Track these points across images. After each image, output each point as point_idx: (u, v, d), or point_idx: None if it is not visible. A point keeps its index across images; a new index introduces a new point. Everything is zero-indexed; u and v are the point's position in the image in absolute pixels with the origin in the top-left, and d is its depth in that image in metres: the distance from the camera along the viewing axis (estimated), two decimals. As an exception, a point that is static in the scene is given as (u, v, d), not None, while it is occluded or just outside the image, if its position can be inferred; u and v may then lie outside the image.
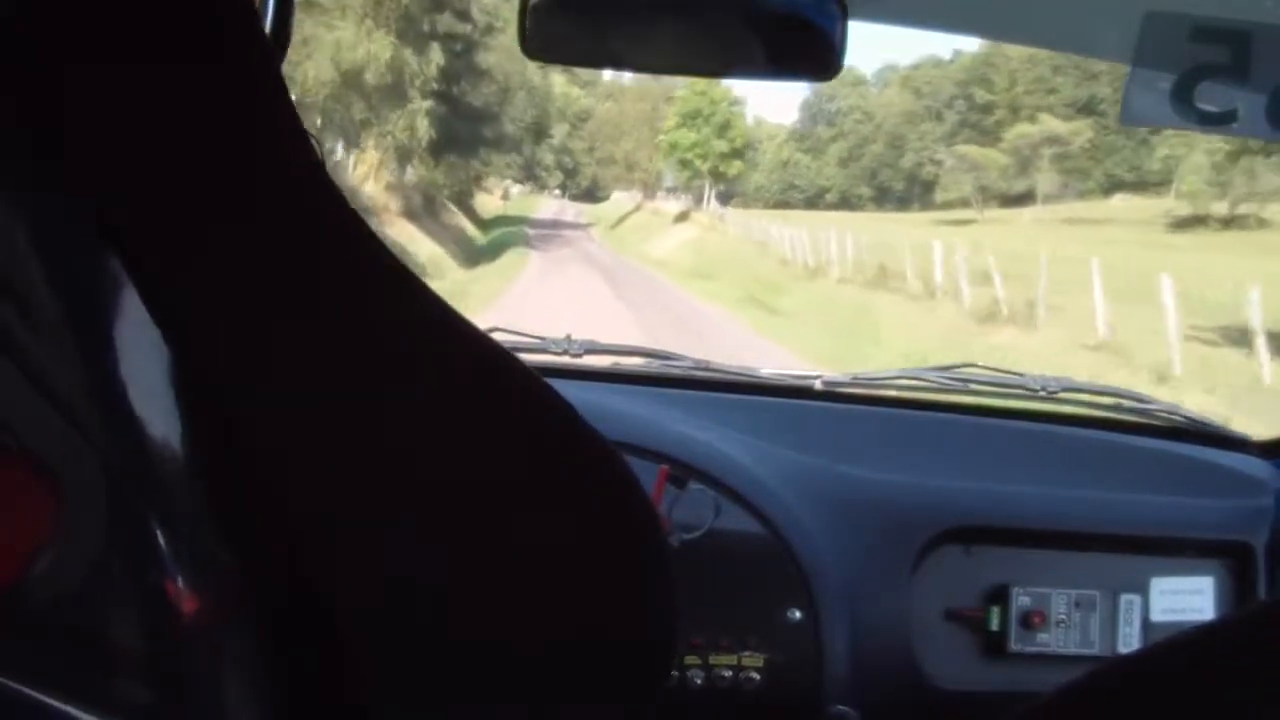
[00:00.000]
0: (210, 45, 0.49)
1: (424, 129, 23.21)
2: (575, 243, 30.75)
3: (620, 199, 57.34)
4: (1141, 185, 39.73)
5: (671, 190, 54.29)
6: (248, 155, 0.50)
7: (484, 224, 32.89)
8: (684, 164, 51.80)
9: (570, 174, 65.04)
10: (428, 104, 23.37)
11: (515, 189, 55.49)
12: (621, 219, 44.24)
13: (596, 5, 1.03)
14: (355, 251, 0.52)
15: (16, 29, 0.46)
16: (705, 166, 51.62)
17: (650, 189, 57.58)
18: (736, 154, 53.64)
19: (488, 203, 42.75)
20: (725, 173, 52.74)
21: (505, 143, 34.95)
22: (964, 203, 41.31)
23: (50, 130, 0.47)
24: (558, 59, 1.13)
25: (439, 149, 24.81)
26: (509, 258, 21.25)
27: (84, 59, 0.47)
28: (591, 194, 63.05)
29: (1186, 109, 0.97)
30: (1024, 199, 39.60)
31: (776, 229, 25.13)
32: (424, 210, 23.96)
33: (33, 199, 0.47)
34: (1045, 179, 40.15)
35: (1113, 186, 40.95)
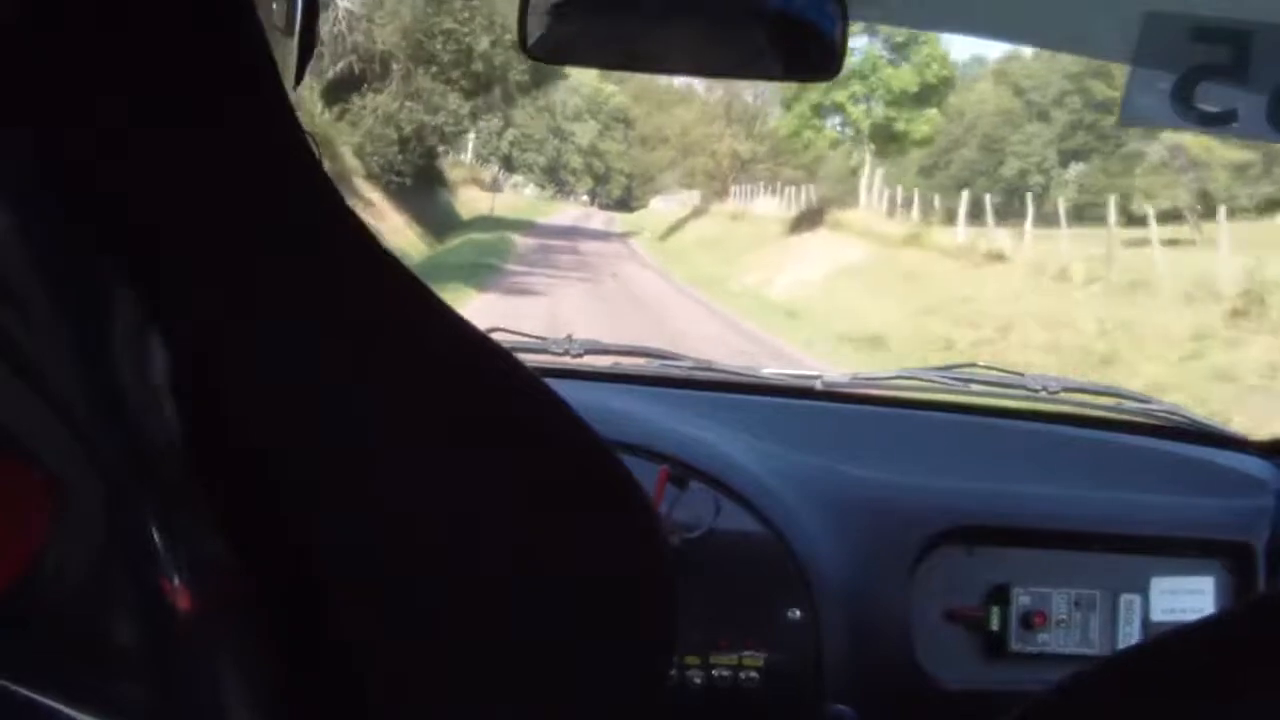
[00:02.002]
0: (208, 42, 0.49)
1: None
2: (605, 266, 16.93)
3: (664, 207, 38.02)
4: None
5: (785, 184, 30.11)
6: (246, 154, 0.50)
7: (458, 227, 21.32)
8: (833, 109, 26.80)
9: (601, 179, 51.24)
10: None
11: (529, 190, 43.01)
12: (675, 226, 27.28)
13: (595, 5, 1.03)
14: (355, 252, 0.52)
15: (17, 31, 0.46)
16: (867, 121, 27.66)
17: (721, 183, 37.97)
18: (930, 97, 27.88)
19: (478, 200, 29.60)
20: (907, 133, 27.84)
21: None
22: (1170, 216, 21.95)
23: (50, 130, 0.47)
24: (557, 59, 1.14)
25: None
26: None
27: (83, 61, 0.47)
28: (625, 203, 48.03)
29: (1186, 109, 0.97)
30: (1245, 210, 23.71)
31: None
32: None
33: (33, 199, 0.47)
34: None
35: (1269, 205, 26.19)
